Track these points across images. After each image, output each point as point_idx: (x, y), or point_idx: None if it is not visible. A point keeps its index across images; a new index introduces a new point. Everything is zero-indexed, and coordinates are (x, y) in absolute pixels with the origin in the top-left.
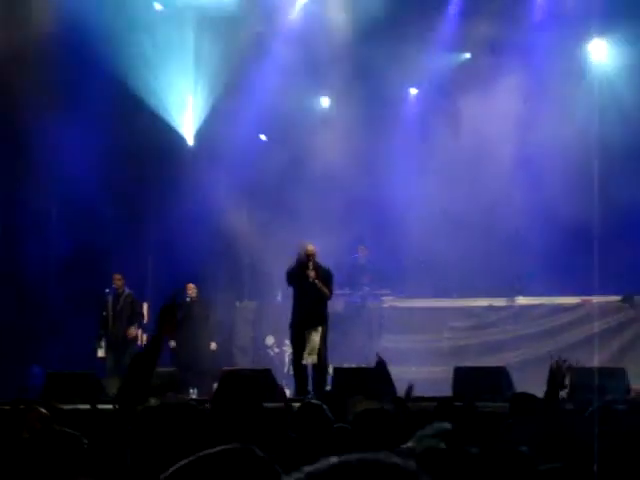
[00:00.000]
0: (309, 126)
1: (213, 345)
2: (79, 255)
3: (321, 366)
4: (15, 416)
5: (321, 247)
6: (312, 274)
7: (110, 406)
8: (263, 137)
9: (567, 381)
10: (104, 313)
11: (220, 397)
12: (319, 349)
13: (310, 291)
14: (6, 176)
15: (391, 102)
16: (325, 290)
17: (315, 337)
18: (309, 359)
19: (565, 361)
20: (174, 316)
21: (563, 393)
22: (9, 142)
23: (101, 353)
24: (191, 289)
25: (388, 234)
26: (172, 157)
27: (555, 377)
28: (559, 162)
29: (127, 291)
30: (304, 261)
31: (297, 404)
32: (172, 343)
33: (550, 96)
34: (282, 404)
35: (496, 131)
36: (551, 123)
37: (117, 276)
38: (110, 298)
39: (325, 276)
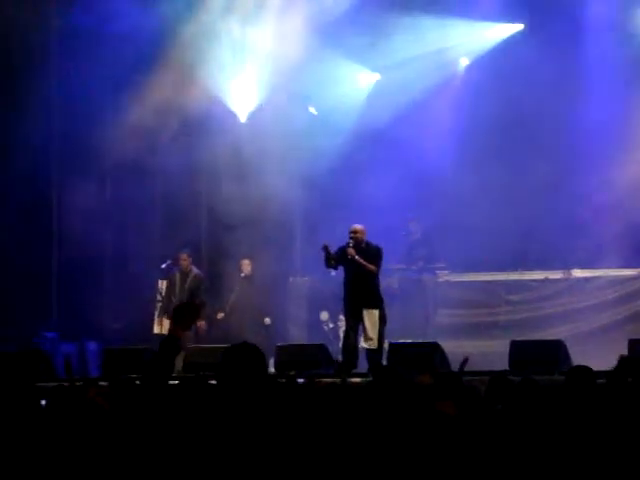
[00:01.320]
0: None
1: (267, 320)
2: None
3: (379, 347)
4: (75, 392)
5: (378, 223)
6: (351, 251)
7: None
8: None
9: None
10: (161, 292)
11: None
12: (379, 332)
13: (358, 268)
14: None
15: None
16: (369, 266)
17: (373, 321)
18: (367, 344)
19: None
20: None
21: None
22: None
23: (157, 329)
24: (245, 265)
25: (441, 209)
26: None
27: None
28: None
29: (195, 271)
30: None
31: (354, 379)
32: (220, 314)
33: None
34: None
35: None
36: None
37: (183, 256)
38: (177, 277)
39: (372, 253)
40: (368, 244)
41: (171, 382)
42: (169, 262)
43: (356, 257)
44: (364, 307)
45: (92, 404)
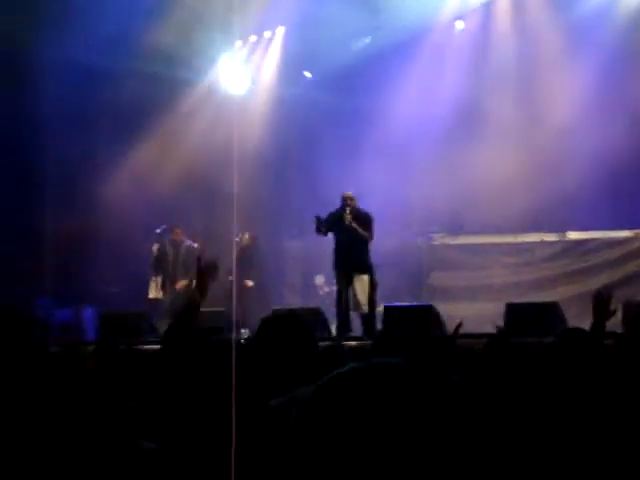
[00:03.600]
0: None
1: (249, 283)
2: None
3: (371, 312)
4: (67, 356)
5: (370, 185)
6: (349, 217)
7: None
8: (308, 74)
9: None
10: (155, 257)
11: (266, 336)
12: (369, 297)
13: (349, 235)
14: None
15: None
16: (364, 233)
17: (363, 287)
18: (360, 309)
19: (609, 295)
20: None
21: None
22: None
23: (152, 294)
24: (244, 238)
25: (435, 171)
26: None
27: (600, 309)
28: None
29: (187, 243)
30: (342, 205)
31: (350, 342)
32: (230, 277)
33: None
34: (334, 342)
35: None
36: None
37: (177, 230)
38: (168, 247)
39: (364, 220)
40: (360, 211)
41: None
42: (164, 227)
43: (353, 224)
44: (355, 272)
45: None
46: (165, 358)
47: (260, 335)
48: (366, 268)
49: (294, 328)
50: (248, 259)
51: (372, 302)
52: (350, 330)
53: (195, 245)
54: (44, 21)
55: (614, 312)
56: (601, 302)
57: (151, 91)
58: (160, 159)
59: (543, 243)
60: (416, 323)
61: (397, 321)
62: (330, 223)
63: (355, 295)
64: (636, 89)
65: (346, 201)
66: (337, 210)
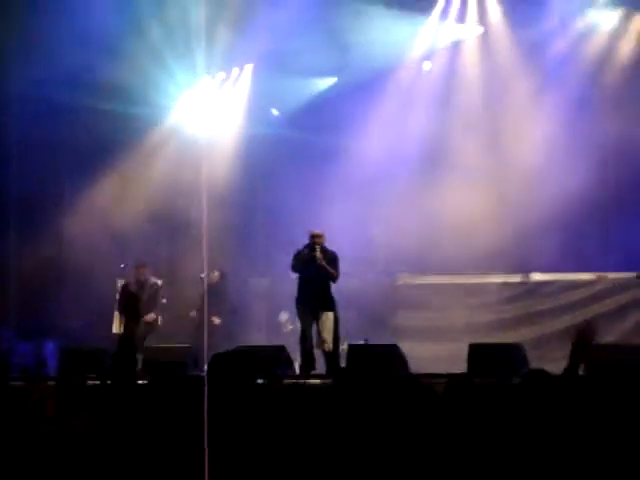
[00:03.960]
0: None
1: (216, 320)
2: None
3: (335, 349)
4: (27, 393)
5: (335, 223)
6: (319, 255)
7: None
8: (275, 112)
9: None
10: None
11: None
12: (334, 335)
13: (317, 272)
14: None
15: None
16: (332, 271)
17: (328, 325)
18: (324, 347)
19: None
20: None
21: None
22: None
23: (116, 329)
24: (213, 275)
25: (400, 210)
26: None
27: (580, 344)
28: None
29: (152, 281)
30: (311, 243)
31: (313, 380)
32: (193, 313)
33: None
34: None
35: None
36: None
37: (141, 269)
38: (134, 287)
39: (331, 258)
40: (326, 249)
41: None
42: (128, 264)
43: (323, 262)
44: (320, 309)
45: (37, 406)
46: (117, 393)
47: (211, 369)
48: (331, 305)
49: (243, 363)
50: (216, 295)
51: (336, 339)
52: (314, 368)
53: (159, 282)
54: (6, 55)
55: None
56: (584, 336)
57: (111, 128)
58: (123, 194)
59: (506, 284)
60: (380, 362)
61: (361, 360)
62: (298, 261)
63: (320, 332)
64: (602, 131)
65: (314, 239)
66: (305, 247)
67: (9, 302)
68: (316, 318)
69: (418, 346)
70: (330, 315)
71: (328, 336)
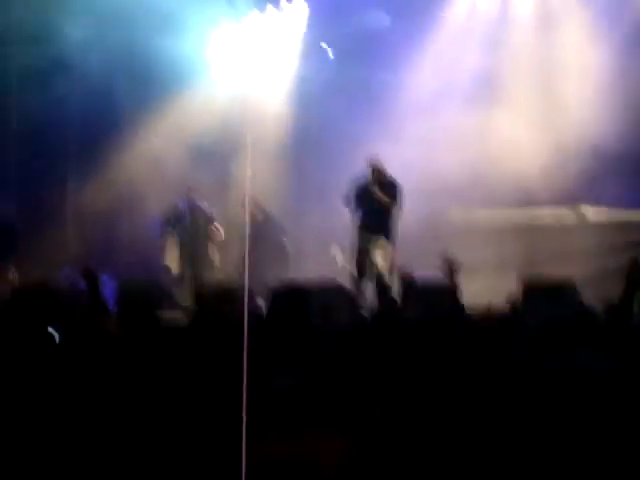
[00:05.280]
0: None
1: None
2: None
3: (389, 280)
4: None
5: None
6: (376, 188)
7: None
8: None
9: None
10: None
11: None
12: (390, 265)
13: (377, 204)
14: None
15: None
16: (391, 201)
17: (386, 254)
18: (379, 273)
19: None
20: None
21: None
22: None
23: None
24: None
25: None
26: None
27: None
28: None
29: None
30: (369, 173)
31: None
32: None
33: None
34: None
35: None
36: None
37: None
38: (187, 211)
39: (391, 188)
40: (386, 179)
41: None
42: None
43: (380, 194)
44: (380, 236)
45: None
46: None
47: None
48: (390, 235)
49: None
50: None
51: (391, 269)
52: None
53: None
54: None
55: None
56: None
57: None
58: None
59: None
60: (437, 300)
61: (416, 295)
62: (357, 193)
63: (375, 258)
64: None
65: (373, 169)
66: (363, 179)
67: (66, 240)
68: (374, 244)
69: (468, 280)
70: (389, 246)
71: (384, 264)
